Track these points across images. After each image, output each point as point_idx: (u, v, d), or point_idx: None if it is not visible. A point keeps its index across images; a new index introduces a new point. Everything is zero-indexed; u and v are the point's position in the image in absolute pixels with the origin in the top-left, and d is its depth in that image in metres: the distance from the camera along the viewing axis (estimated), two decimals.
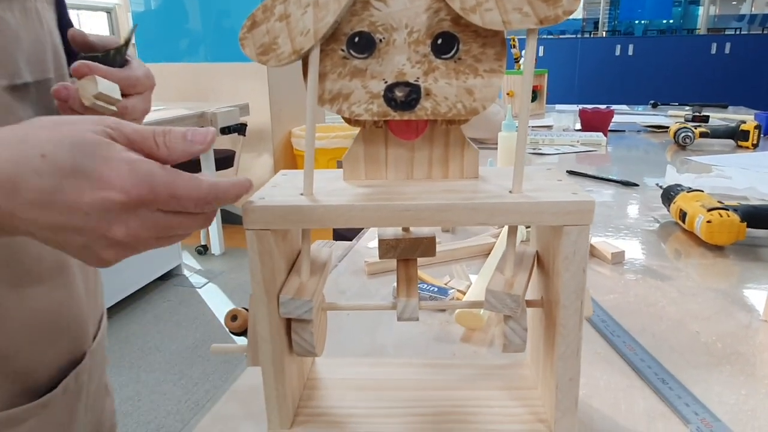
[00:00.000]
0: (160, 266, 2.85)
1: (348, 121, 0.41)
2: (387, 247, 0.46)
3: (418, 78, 0.39)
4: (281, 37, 0.37)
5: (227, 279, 2.99)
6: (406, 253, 0.46)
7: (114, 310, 2.55)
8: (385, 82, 0.39)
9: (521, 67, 2.18)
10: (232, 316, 0.80)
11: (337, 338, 0.62)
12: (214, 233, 3.26)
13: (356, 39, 0.38)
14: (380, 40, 0.39)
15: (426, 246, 0.46)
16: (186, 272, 3.06)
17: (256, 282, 0.40)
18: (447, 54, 0.39)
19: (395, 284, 0.73)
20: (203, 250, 3.33)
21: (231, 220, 3.66)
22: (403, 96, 0.39)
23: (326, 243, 0.96)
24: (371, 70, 0.39)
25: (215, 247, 3.30)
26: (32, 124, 0.34)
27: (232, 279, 2.99)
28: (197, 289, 2.89)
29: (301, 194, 0.41)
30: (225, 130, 2.87)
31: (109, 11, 6.05)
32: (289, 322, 0.43)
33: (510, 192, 0.40)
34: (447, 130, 0.42)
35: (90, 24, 5.86)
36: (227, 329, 0.78)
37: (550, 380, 0.44)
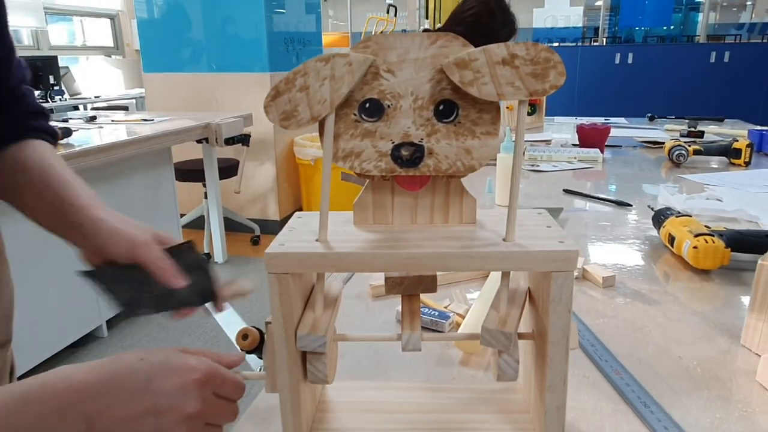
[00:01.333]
0: None
1: (359, 175, 0.46)
2: (392, 284, 0.51)
3: (422, 139, 0.44)
4: (301, 105, 0.42)
5: None
6: (410, 289, 0.51)
7: (117, 319, 2.59)
8: (393, 143, 0.44)
9: None
10: (243, 335, 0.84)
11: (344, 362, 0.66)
12: (216, 241, 3.31)
13: (367, 105, 0.43)
14: (388, 106, 0.43)
15: (428, 283, 0.51)
16: None
17: (276, 319, 0.45)
18: (448, 118, 0.43)
19: (399, 308, 0.77)
20: (206, 258, 3.37)
21: (233, 227, 3.71)
22: (409, 155, 0.44)
23: None
24: (380, 131, 0.44)
25: (218, 255, 3.35)
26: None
27: None
28: None
29: (316, 240, 0.45)
30: (229, 141, 2.92)
31: (112, 18, 6.12)
32: (304, 352, 0.48)
33: (503, 240, 0.44)
34: (448, 182, 0.47)
35: (93, 30, 5.92)
36: (238, 347, 0.82)
37: (539, 406, 0.48)
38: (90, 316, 2.38)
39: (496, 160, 1.28)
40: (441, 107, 0.43)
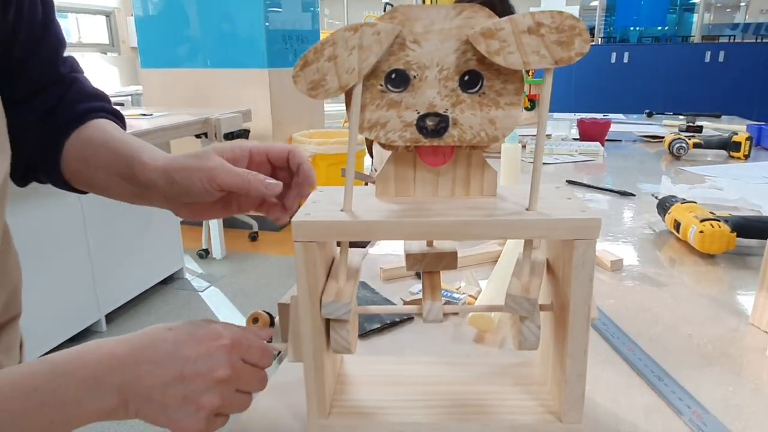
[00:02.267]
0: (162, 270, 2.89)
1: (383, 145, 0.46)
2: (414, 261, 0.51)
3: (446, 109, 0.45)
4: (329, 74, 0.42)
5: (228, 282, 3.04)
6: (431, 266, 0.51)
7: (116, 314, 2.59)
8: (418, 113, 0.45)
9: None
10: (254, 319, 0.85)
11: (359, 341, 0.67)
12: (215, 237, 3.31)
13: (393, 75, 0.44)
14: (414, 77, 0.44)
15: (449, 260, 0.51)
16: (188, 276, 3.10)
17: (301, 287, 0.45)
18: (472, 89, 0.44)
19: (410, 290, 0.78)
20: (204, 254, 3.37)
21: (232, 224, 3.71)
22: (434, 125, 0.45)
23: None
24: (405, 102, 0.44)
25: (216, 251, 3.35)
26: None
27: (233, 283, 3.04)
28: (199, 293, 2.93)
29: (341, 210, 0.46)
30: (228, 136, 2.92)
31: (108, 15, 6.10)
32: (327, 322, 0.48)
33: (527, 209, 0.45)
34: (470, 154, 0.48)
35: (88, 27, 5.89)
36: None
37: (559, 376, 0.49)
38: (89, 310, 2.38)
39: (499, 150, 1.29)
40: (466, 78, 0.44)
